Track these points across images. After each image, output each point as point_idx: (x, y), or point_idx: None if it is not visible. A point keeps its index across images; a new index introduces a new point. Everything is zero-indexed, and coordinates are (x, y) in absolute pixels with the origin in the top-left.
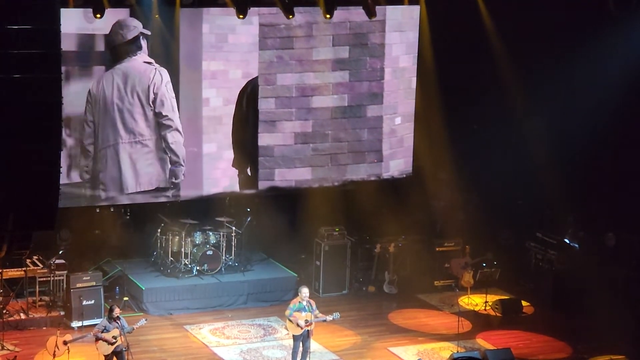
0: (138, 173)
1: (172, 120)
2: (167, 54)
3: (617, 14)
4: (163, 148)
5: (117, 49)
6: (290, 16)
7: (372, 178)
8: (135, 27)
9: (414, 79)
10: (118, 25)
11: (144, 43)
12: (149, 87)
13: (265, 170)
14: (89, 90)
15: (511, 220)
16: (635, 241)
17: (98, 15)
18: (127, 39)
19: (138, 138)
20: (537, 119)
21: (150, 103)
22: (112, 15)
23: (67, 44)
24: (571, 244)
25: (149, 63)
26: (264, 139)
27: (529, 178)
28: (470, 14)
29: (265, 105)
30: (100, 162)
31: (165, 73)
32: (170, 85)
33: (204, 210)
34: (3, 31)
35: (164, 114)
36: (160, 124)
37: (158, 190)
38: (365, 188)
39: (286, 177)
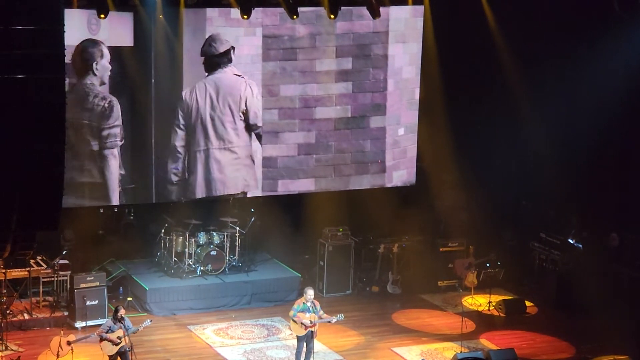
0: (226, 177)
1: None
2: (171, 55)
3: (622, 14)
4: (250, 155)
5: (209, 61)
6: (295, 16)
7: (375, 189)
8: (227, 41)
9: (417, 90)
10: (211, 39)
11: (233, 56)
12: (240, 98)
13: (269, 181)
14: (182, 96)
15: (515, 221)
16: (638, 241)
17: (102, 16)
18: (219, 51)
19: (227, 145)
20: (541, 120)
21: (241, 113)
22: (116, 23)
23: (71, 56)
24: (575, 244)
25: (239, 75)
26: (267, 150)
27: (532, 178)
28: (474, 13)
29: (269, 116)
30: (190, 165)
31: (254, 86)
32: (260, 97)
33: (208, 210)
34: (6, 31)
35: (258, 125)
36: (255, 135)
37: (243, 193)
38: (369, 189)
39: (289, 188)
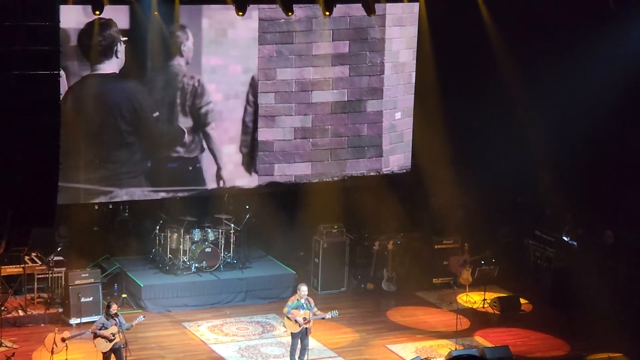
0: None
1: None
2: (166, 51)
3: (618, 11)
4: None
5: None
6: (290, 13)
7: (372, 173)
8: None
9: (414, 74)
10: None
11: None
12: None
13: (265, 166)
14: (252, 76)
15: (510, 218)
16: (633, 238)
17: (97, 12)
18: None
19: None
20: (537, 117)
21: None
22: (112, 12)
23: (67, 39)
24: (570, 241)
25: None
26: (264, 134)
27: (528, 176)
28: (470, 10)
29: (265, 100)
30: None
31: None
32: None
33: (203, 207)
34: (2, 28)
35: None
36: None
37: None
38: (364, 185)
39: (286, 172)
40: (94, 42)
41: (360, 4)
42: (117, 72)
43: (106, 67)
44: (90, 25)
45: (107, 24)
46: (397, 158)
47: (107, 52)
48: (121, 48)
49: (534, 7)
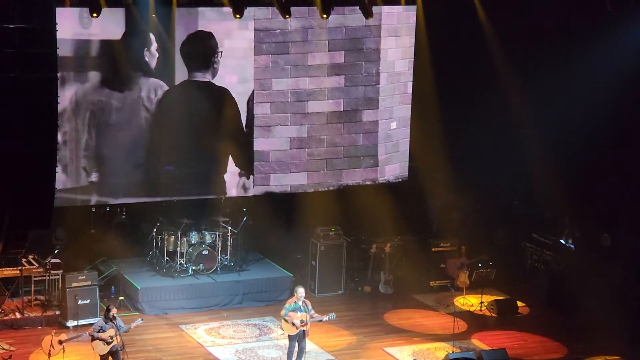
0: None
1: None
2: (163, 54)
3: (615, 13)
4: None
5: None
6: (287, 16)
7: (368, 183)
8: None
9: (410, 84)
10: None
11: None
12: None
13: (261, 175)
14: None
15: (507, 221)
16: (630, 242)
17: (95, 15)
18: None
19: None
20: (535, 120)
21: None
22: (108, 18)
23: (63, 49)
24: (567, 244)
25: None
26: (260, 144)
27: (525, 179)
28: (467, 12)
29: (261, 110)
30: None
31: None
32: None
33: (200, 209)
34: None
35: None
36: None
37: None
38: (361, 188)
39: (281, 182)
40: (195, 51)
41: (356, 13)
42: (211, 80)
43: (201, 75)
44: (192, 35)
45: (209, 35)
46: (392, 168)
47: (206, 61)
48: (218, 59)
49: (531, 10)
